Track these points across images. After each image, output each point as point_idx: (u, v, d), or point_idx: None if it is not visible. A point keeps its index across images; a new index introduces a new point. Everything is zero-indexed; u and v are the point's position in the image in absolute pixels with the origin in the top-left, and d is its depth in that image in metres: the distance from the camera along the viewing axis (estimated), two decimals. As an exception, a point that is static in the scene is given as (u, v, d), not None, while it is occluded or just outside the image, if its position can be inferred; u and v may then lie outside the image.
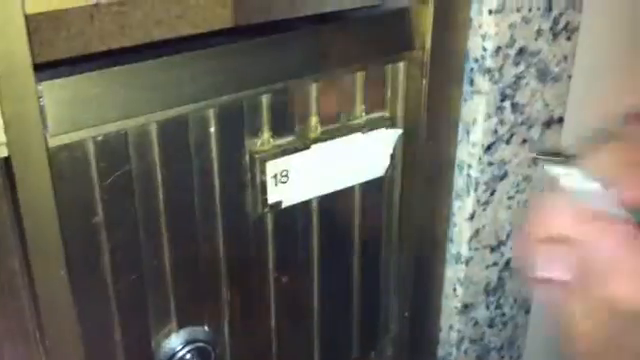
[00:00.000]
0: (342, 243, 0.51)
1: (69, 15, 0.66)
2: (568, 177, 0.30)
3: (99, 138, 0.38)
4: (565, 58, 0.52)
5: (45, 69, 0.36)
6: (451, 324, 0.57)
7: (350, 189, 0.49)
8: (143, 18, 0.66)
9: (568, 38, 0.52)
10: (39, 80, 0.35)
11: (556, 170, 0.30)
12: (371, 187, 0.50)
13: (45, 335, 0.38)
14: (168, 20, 0.67)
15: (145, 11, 0.66)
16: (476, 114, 0.50)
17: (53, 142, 0.36)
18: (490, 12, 0.47)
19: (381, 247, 0.53)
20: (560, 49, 0.52)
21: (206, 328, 0.46)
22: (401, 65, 0.48)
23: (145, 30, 0.66)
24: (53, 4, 0.34)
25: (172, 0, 0.66)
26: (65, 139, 0.36)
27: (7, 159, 0.35)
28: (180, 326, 0.45)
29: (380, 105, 0.49)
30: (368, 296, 0.54)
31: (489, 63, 0.49)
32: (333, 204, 0.49)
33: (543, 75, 0.52)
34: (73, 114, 0.36)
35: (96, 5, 0.58)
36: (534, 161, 0.35)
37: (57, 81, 0.35)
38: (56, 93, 0.35)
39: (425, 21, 0.47)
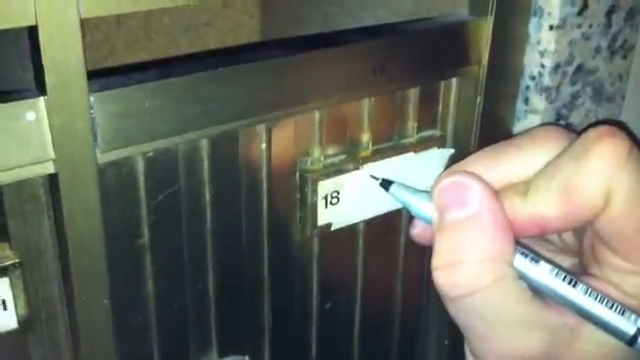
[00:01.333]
0: (385, 268, 0.49)
1: (95, 19, 0.63)
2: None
3: (149, 154, 0.35)
4: (620, 77, 0.50)
5: (92, 78, 0.33)
6: (491, 353, 0.55)
7: (397, 211, 0.46)
8: (170, 24, 0.63)
9: (624, 57, 0.50)
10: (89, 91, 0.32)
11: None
12: (419, 209, 0.47)
13: (84, 368, 0.35)
14: (195, 27, 0.64)
15: (172, 17, 0.63)
16: (529, 134, 0.48)
17: (103, 158, 0.33)
18: (551, 28, 0.45)
19: (423, 272, 0.51)
20: (616, 68, 0.50)
21: (247, 358, 0.43)
22: (454, 81, 0.46)
23: (172, 37, 0.64)
24: (110, 8, 0.31)
25: (199, 7, 0.64)
26: (115, 155, 0.33)
27: (52, 176, 0.32)
28: (220, 355, 0.42)
29: (431, 123, 0.46)
30: (408, 323, 0.51)
31: (547, 81, 0.46)
32: (379, 227, 0.46)
33: (598, 95, 0.50)
34: (124, 128, 0.33)
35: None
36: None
37: (108, 92, 0.32)
38: (107, 105, 0.32)
39: (483, 36, 0.44)
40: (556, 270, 0.31)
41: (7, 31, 0.28)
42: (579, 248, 0.33)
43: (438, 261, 0.31)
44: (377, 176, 0.38)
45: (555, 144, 0.32)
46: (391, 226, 0.47)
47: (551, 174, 0.30)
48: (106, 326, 0.36)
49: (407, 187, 0.36)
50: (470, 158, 0.34)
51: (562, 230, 0.32)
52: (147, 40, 0.61)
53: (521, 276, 0.31)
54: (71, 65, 0.30)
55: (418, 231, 0.35)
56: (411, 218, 0.36)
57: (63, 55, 0.30)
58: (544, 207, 0.30)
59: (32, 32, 0.29)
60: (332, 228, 0.43)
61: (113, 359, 0.37)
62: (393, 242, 0.48)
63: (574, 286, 0.31)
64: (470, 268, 0.30)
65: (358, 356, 0.50)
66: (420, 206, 0.34)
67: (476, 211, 0.31)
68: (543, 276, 0.31)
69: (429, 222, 0.33)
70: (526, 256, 0.31)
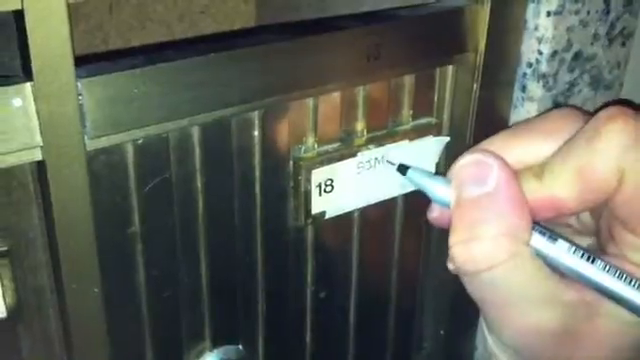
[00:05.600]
0: (381, 257, 0.48)
1: (87, 7, 0.62)
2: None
3: (139, 142, 0.35)
4: (618, 65, 0.50)
5: (81, 64, 0.33)
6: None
7: (393, 200, 0.46)
8: (165, 12, 0.62)
9: (623, 44, 0.49)
10: (77, 77, 0.31)
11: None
12: (414, 198, 0.47)
13: (74, 358, 0.35)
14: (190, 14, 0.64)
15: (167, 4, 0.62)
16: (526, 122, 0.47)
17: (92, 145, 0.32)
18: (549, 14, 0.44)
19: (419, 262, 0.50)
20: (614, 55, 0.49)
21: (240, 347, 0.43)
22: (450, 68, 0.45)
23: (167, 25, 0.63)
24: (98, -8, 0.30)
25: (194, -6, 0.63)
26: (104, 142, 0.33)
27: (40, 163, 0.32)
28: (214, 345, 0.42)
29: (427, 111, 0.46)
30: (404, 312, 0.51)
31: (544, 68, 0.46)
32: (374, 216, 0.46)
33: (596, 82, 0.49)
34: (113, 115, 0.33)
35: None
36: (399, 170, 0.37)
37: (97, 78, 0.32)
38: (96, 91, 0.32)
39: (480, 22, 0.44)
40: (574, 247, 0.31)
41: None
42: (596, 228, 0.34)
43: (455, 237, 0.32)
44: (393, 161, 0.38)
45: (571, 126, 0.32)
46: (386, 215, 0.47)
47: (565, 155, 0.31)
48: (97, 315, 0.35)
49: (424, 171, 0.36)
50: (488, 140, 0.35)
51: (577, 211, 0.33)
52: (141, 29, 0.60)
53: (539, 254, 0.31)
54: (58, 50, 0.30)
55: (436, 215, 0.36)
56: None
57: (50, 39, 0.29)
58: (559, 188, 0.31)
59: (18, 16, 0.29)
60: (326, 217, 0.43)
61: (104, 349, 0.36)
62: (388, 231, 0.47)
63: (592, 263, 0.31)
64: (486, 244, 0.31)
65: (353, 346, 0.49)
66: (438, 190, 0.34)
67: (493, 188, 0.31)
68: (561, 254, 0.31)
69: (447, 205, 0.33)
70: (544, 234, 0.31)
